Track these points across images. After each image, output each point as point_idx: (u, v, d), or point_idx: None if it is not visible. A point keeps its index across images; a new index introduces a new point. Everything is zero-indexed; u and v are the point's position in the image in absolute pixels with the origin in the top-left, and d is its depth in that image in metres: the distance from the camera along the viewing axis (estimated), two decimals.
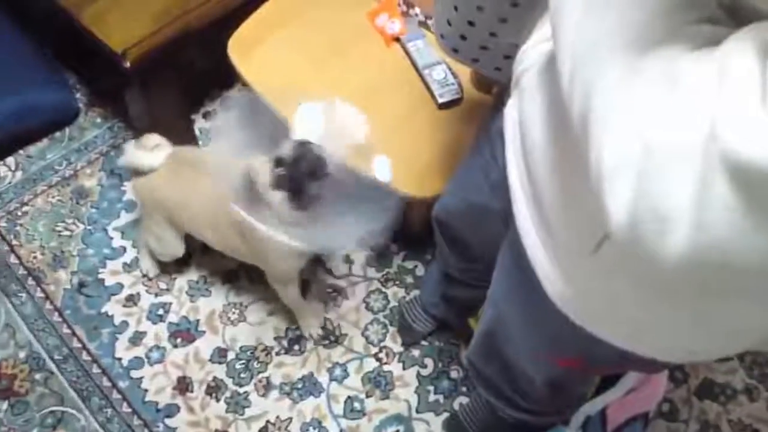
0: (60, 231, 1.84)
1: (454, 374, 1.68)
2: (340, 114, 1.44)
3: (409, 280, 1.80)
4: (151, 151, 1.57)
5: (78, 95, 2.08)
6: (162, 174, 1.55)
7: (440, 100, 1.60)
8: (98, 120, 2.04)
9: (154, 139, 1.59)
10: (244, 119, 1.67)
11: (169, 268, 1.78)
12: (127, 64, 1.60)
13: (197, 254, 1.80)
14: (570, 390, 1.13)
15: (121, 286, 1.76)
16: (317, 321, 1.73)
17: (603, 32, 0.51)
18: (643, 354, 0.72)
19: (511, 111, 0.83)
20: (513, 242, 0.85)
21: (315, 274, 1.79)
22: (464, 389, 1.66)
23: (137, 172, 1.58)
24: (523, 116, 0.79)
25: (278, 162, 1.26)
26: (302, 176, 1.25)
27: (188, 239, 1.66)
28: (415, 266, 1.82)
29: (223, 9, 1.69)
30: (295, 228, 1.30)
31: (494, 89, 1.62)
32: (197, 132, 1.98)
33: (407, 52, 1.67)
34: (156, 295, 1.75)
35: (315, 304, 1.76)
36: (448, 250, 1.37)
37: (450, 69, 1.64)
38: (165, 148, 1.57)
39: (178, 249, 1.65)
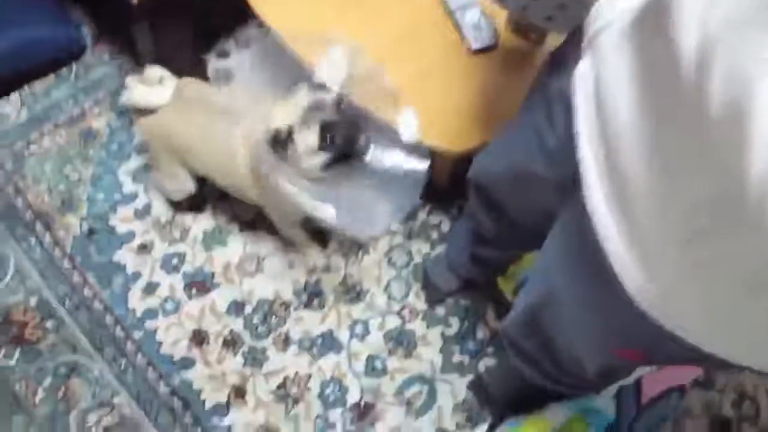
0: (68, 174, 1.75)
1: (480, 334, 1.62)
2: (364, 61, 1.37)
3: (434, 235, 1.72)
4: (154, 86, 1.46)
5: (84, 30, 1.96)
6: (168, 111, 1.45)
7: (474, 46, 1.49)
8: (106, 57, 1.93)
9: (156, 71, 1.47)
10: (260, 60, 1.57)
11: (184, 215, 1.71)
12: (135, 0, 1.48)
13: (213, 201, 1.72)
14: (620, 375, 1.07)
15: (133, 233, 1.69)
16: (319, 252, 1.67)
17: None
18: (726, 357, 0.65)
19: (583, 74, 0.73)
20: (577, 220, 0.76)
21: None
22: (490, 350, 1.60)
23: (141, 110, 1.48)
24: (600, 82, 0.69)
25: (326, 126, 1.24)
26: (351, 138, 1.26)
27: (200, 185, 1.58)
28: (441, 221, 1.74)
29: None
30: (319, 185, 1.28)
31: (533, 35, 1.51)
32: (211, 72, 1.87)
33: None
34: (170, 243, 1.68)
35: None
36: (484, 214, 1.29)
37: (484, 12, 1.52)
38: (170, 82, 1.47)
39: (189, 186, 1.57)
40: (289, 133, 1.24)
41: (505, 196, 1.18)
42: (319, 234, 1.68)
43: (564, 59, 0.90)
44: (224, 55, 1.95)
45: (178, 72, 1.65)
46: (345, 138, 1.25)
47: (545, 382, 1.17)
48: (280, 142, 1.25)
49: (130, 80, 1.51)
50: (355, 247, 1.69)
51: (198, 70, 1.84)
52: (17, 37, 1.79)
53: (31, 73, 1.88)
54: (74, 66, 1.91)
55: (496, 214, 1.26)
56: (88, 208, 1.71)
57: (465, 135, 1.44)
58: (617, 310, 0.71)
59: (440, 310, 1.64)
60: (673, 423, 1.49)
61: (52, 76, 1.89)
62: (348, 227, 1.38)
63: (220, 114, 1.41)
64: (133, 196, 1.73)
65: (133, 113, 1.53)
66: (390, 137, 1.35)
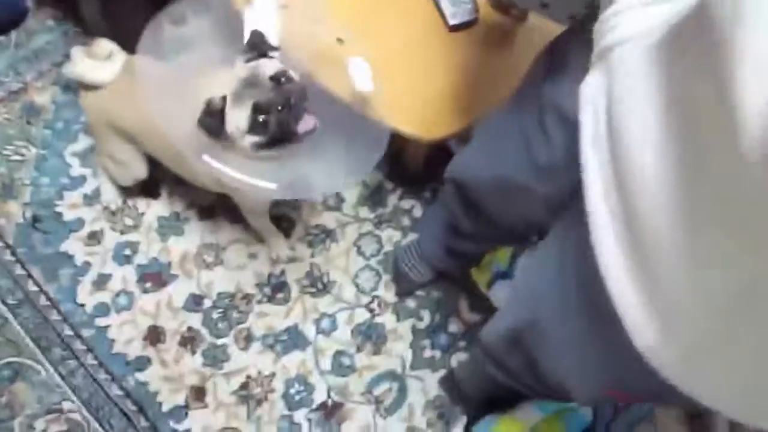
0: (9, 155, 1.61)
1: (452, 328, 1.54)
2: (302, 9, 1.22)
3: (406, 221, 1.63)
4: (103, 61, 1.33)
5: None
6: (116, 88, 1.33)
7: (451, 22, 1.37)
8: (50, 23, 1.76)
9: (105, 45, 1.34)
10: (220, 27, 1.42)
11: (137, 201, 1.58)
12: None
13: (168, 185, 1.60)
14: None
15: (81, 221, 1.56)
16: (285, 242, 1.57)
17: None
18: (742, 420, 0.57)
19: (593, 91, 0.62)
20: (574, 246, 0.67)
21: (299, 212, 1.60)
22: (462, 344, 1.53)
23: (87, 86, 1.35)
24: (614, 104, 0.58)
25: (259, 108, 1.07)
26: (287, 122, 1.07)
27: (155, 167, 1.46)
28: (413, 207, 1.65)
29: None
30: (268, 164, 1.12)
31: (515, 11, 1.39)
32: (166, 41, 1.72)
33: None
34: (122, 232, 1.56)
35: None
36: (462, 212, 1.20)
37: None
38: (119, 57, 1.34)
39: (140, 170, 1.46)
40: (222, 107, 1.08)
41: (486, 199, 1.09)
42: (283, 221, 1.58)
43: (562, 62, 0.80)
44: (180, 21, 1.79)
45: (129, 42, 1.51)
46: (280, 123, 1.07)
47: (524, 390, 1.10)
48: (213, 115, 1.08)
49: (76, 51, 1.37)
50: (322, 235, 1.59)
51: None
52: None
53: None
54: (14, 33, 1.74)
55: (474, 212, 1.18)
56: (31, 193, 1.57)
57: (442, 121, 1.33)
58: (618, 358, 0.62)
59: (411, 303, 1.56)
60: (648, 422, 1.44)
61: None
62: (297, 191, 1.24)
63: (171, 91, 1.28)
64: (82, 180, 1.59)
65: (79, 88, 1.40)
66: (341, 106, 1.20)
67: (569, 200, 0.68)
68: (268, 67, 1.12)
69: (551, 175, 0.85)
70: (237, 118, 1.08)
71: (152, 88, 1.28)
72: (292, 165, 1.17)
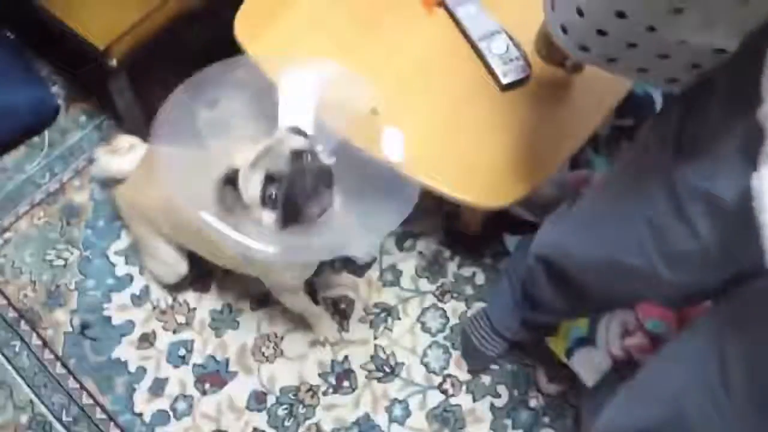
0: (52, 260, 1.55)
1: (533, 402, 1.43)
2: (338, 80, 1.16)
3: (469, 290, 1.53)
4: (126, 155, 1.32)
5: (55, 88, 1.76)
6: (139, 178, 1.29)
7: (504, 81, 1.29)
8: (82, 118, 1.72)
9: (126, 140, 1.34)
10: (255, 106, 1.35)
11: (187, 297, 1.51)
12: (114, 62, 1.28)
13: (217, 277, 1.53)
14: None
15: (132, 323, 1.49)
16: (332, 322, 1.48)
17: None
18: None
19: None
20: (743, 341, 0.60)
21: (357, 292, 1.52)
22: (546, 420, 1.41)
23: (117, 181, 1.34)
24: None
25: (270, 178, 0.99)
26: (300, 197, 0.99)
27: (201, 260, 1.39)
28: (474, 274, 1.55)
29: None
30: (288, 237, 1.03)
31: (569, 62, 1.31)
32: (201, 125, 1.66)
33: (456, 21, 1.35)
34: (174, 331, 1.49)
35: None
36: (550, 290, 1.10)
37: (512, 39, 1.32)
38: (140, 148, 1.32)
39: (180, 265, 1.40)
40: (235, 176, 1.01)
41: (590, 280, 1.00)
42: (340, 302, 1.50)
43: (698, 143, 0.70)
44: (213, 104, 1.74)
45: None
46: (288, 198, 0.99)
47: None
48: (230, 184, 1.02)
49: (99, 151, 1.38)
50: (383, 313, 1.50)
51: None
52: None
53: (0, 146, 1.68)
54: (47, 132, 1.71)
55: (569, 291, 1.08)
56: (78, 298, 1.51)
57: (501, 187, 1.24)
58: None
59: (486, 379, 1.45)
60: None
61: (22, 148, 1.68)
62: (320, 254, 1.19)
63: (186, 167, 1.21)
64: (128, 280, 1.53)
65: (111, 185, 1.37)
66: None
67: (723, 289, 0.60)
68: (294, 140, 1.05)
69: (690, 265, 0.77)
70: (250, 187, 1.01)
71: (173, 174, 1.21)
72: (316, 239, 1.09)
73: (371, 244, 1.42)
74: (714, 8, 0.62)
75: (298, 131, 1.09)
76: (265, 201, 1.00)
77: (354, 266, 1.55)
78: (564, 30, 0.76)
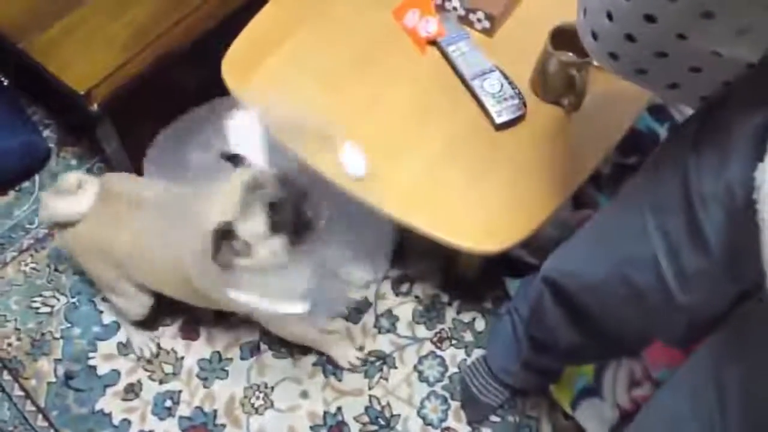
0: (38, 308, 1.51)
1: None
2: (282, 111, 1.14)
3: (469, 337, 1.47)
4: (75, 194, 1.24)
5: (47, 132, 1.74)
6: (95, 217, 1.22)
7: (498, 120, 1.24)
8: (73, 161, 1.70)
9: (72, 177, 1.26)
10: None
11: (175, 343, 1.46)
12: (95, 107, 1.25)
13: (206, 324, 1.48)
14: None
15: (117, 373, 1.44)
16: (351, 345, 1.44)
17: None
18: None
19: None
20: (742, 366, 0.61)
21: (351, 337, 1.46)
22: None
23: (62, 224, 1.26)
24: None
25: (273, 207, 1.02)
26: (303, 212, 1.04)
27: (189, 306, 1.34)
28: (474, 319, 1.49)
29: (209, 24, 1.33)
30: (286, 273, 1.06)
31: (566, 100, 1.26)
32: (194, 167, 1.63)
33: (448, 59, 1.31)
34: (161, 382, 1.43)
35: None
36: (561, 319, 1.05)
37: (506, 77, 1.28)
38: (91, 185, 1.24)
39: (144, 298, 1.34)
40: (229, 230, 1.00)
41: (600, 307, 0.97)
42: None
43: (711, 144, 0.70)
44: (206, 147, 1.71)
45: None
46: (297, 214, 1.03)
47: None
48: (223, 239, 1.00)
49: (44, 196, 1.31)
50: (378, 362, 1.44)
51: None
52: None
53: None
54: (37, 176, 1.68)
55: (572, 316, 1.04)
56: (63, 347, 1.46)
57: (499, 230, 1.18)
58: None
59: (486, 431, 1.38)
60: None
61: (12, 192, 1.66)
62: (322, 308, 1.15)
63: (159, 211, 1.16)
64: (115, 328, 1.48)
65: (56, 228, 1.31)
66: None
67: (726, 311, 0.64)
68: (268, 171, 1.06)
69: (701, 283, 0.75)
70: (253, 227, 1.01)
71: (155, 211, 1.18)
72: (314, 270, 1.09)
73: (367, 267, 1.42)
74: (745, 14, 0.59)
75: (235, 161, 1.08)
76: (274, 227, 1.01)
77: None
78: (594, 36, 0.72)
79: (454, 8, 1.34)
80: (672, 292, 0.78)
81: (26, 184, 1.67)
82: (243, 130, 1.08)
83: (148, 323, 1.44)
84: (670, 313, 0.81)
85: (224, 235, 1.00)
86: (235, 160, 1.07)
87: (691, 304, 0.78)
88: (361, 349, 1.44)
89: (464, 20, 1.35)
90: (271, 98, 1.19)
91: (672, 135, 0.84)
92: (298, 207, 1.03)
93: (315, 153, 1.15)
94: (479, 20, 1.33)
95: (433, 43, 1.33)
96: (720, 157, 0.67)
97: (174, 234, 1.11)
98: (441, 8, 1.35)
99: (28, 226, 1.61)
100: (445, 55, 1.32)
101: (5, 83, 1.72)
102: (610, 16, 0.67)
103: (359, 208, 1.12)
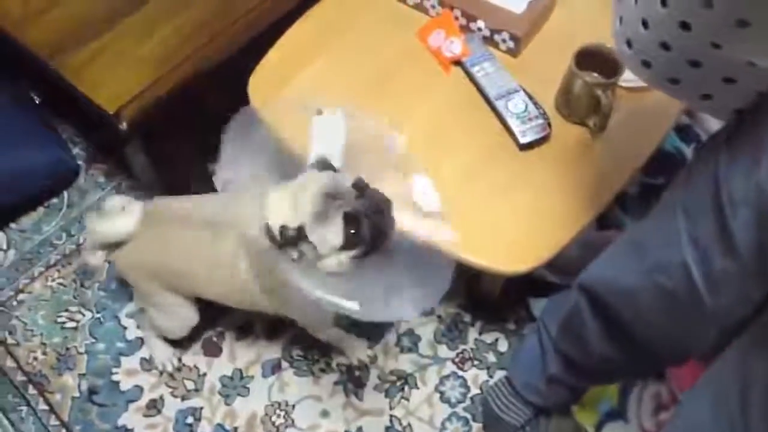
0: (63, 322, 1.53)
1: None
2: (364, 124, 1.16)
3: (491, 358, 1.45)
4: (119, 216, 1.28)
5: (76, 150, 1.77)
6: (142, 238, 1.26)
7: (522, 140, 1.24)
8: (101, 179, 1.72)
9: (116, 201, 1.32)
10: (274, 161, 1.32)
11: (197, 360, 1.46)
12: (124, 125, 1.26)
13: (228, 341, 1.48)
14: None
15: (140, 389, 1.44)
16: (363, 343, 1.45)
17: None
18: None
19: None
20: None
21: (373, 358, 1.45)
22: None
23: (113, 246, 1.29)
24: None
25: (350, 219, 0.99)
26: (381, 229, 1.02)
27: (213, 323, 1.35)
28: (496, 339, 1.47)
29: (236, 44, 1.35)
30: (341, 282, 1.04)
31: (592, 120, 1.25)
32: (219, 184, 1.65)
33: (473, 79, 1.32)
34: (183, 398, 1.43)
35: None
36: (597, 330, 1.05)
37: (531, 97, 1.28)
38: (135, 207, 1.28)
39: (191, 314, 1.36)
40: (299, 233, 0.99)
41: (633, 316, 0.97)
42: (354, 368, 1.43)
43: (742, 148, 0.71)
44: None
45: (181, 186, 1.45)
46: (374, 230, 1.01)
47: None
48: (289, 240, 0.99)
49: (89, 218, 1.37)
50: (399, 382, 1.43)
51: (207, 184, 1.64)
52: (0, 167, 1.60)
53: (19, 207, 1.68)
54: (66, 193, 1.71)
55: (612, 330, 1.03)
56: (87, 362, 1.48)
57: (522, 251, 1.18)
58: None
59: None
60: None
61: (41, 208, 1.68)
62: (375, 315, 1.14)
63: (205, 225, 1.20)
64: (139, 344, 1.49)
65: (107, 252, 1.33)
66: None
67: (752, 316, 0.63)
68: (345, 177, 1.05)
69: (729, 286, 0.76)
70: (328, 236, 1.00)
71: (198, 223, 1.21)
72: (371, 281, 1.07)
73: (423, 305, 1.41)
74: None
75: (324, 165, 1.07)
76: (349, 242, 1.00)
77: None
78: (629, 44, 0.73)
79: (479, 29, 1.35)
80: (701, 297, 0.78)
81: (55, 200, 1.70)
82: (326, 132, 1.10)
83: (179, 341, 1.45)
84: (700, 319, 0.82)
85: (288, 234, 0.98)
86: (320, 164, 1.07)
87: (720, 307, 0.78)
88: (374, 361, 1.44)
89: (489, 41, 1.35)
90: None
91: (707, 141, 0.84)
92: (375, 222, 1.01)
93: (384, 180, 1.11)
94: (504, 41, 1.33)
95: (457, 63, 1.33)
96: (752, 158, 0.67)
97: (221, 243, 1.16)
98: (466, 29, 1.36)
99: (55, 241, 1.63)
100: (470, 76, 1.32)
101: (37, 101, 1.76)
102: (645, 24, 0.68)
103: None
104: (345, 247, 1.00)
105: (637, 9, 0.68)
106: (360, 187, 1.03)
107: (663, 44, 0.68)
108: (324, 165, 1.07)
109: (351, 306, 1.00)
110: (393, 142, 1.19)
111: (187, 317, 1.36)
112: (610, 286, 1.00)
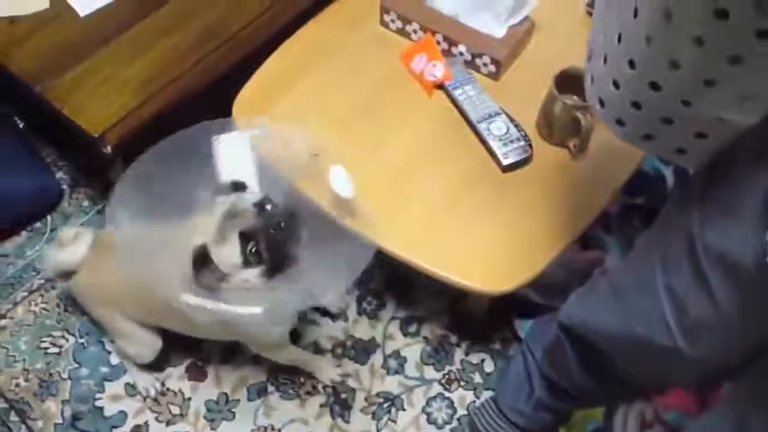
0: (47, 348, 1.51)
1: None
2: (273, 135, 1.18)
3: (477, 378, 1.46)
4: (71, 245, 1.31)
5: (60, 174, 1.77)
6: (93, 265, 1.29)
7: (504, 162, 1.26)
8: (85, 203, 1.72)
9: (69, 231, 1.34)
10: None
11: (182, 384, 1.45)
12: (108, 149, 1.27)
13: (213, 365, 1.47)
14: None
15: (124, 415, 1.43)
16: (333, 364, 1.45)
17: None
18: None
19: None
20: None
21: (358, 379, 1.45)
22: None
23: (66, 274, 1.33)
24: None
25: (246, 237, 1.00)
26: (282, 244, 1.01)
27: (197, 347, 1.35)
28: (483, 360, 1.48)
29: (220, 68, 1.36)
30: (264, 293, 1.04)
31: (572, 142, 1.28)
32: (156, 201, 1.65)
33: (455, 102, 1.34)
34: (168, 423, 1.42)
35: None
36: (577, 366, 1.06)
37: (512, 120, 1.30)
38: (86, 236, 1.31)
39: (153, 340, 1.36)
40: (200, 252, 1.00)
41: (614, 356, 0.97)
42: (340, 392, 1.43)
43: (717, 202, 0.70)
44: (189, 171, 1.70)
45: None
46: (272, 247, 1.00)
47: None
48: (197, 261, 1.00)
49: (44, 250, 1.41)
50: (386, 403, 1.42)
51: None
52: None
53: (1, 231, 1.67)
54: (50, 217, 1.70)
55: (594, 366, 1.04)
56: (71, 388, 1.46)
57: (505, 272, 1.19)
58: None
59: None
60: None
61: (24, 233, 1.67)
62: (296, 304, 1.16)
63: (140, 246, 1.16)
64: (122, 369, 1.48)
65: (62, 279, 1.37)
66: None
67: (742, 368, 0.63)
68: (249, 197, 1.05)
69: (709, 336, 0.74)
70: (227, 255, 1.00)
71: (129, 252, 1.17)
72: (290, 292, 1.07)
73: (339, 290, 1.45)
74: (747, 82, 0.60)
75: (236, 186, 1.07)
76: (248, 260, 1.00)
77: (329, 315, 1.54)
78: (601, 103, 0.74)
79: (461, 53, 1.37)
80: (680, 347, 0.78)
81: (39, 224, 1.69)
82: (232, 154, 1.09)
83: (155, 365, 1.44)
84: (680, 365, 0.81)
85: (203, 259, 1.00)
86: (234, 187, 1.07)
87: (699, 356, 0.77)
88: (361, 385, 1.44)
89: (470, 64, 1.37)
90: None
91: (680, 189, 0.84)
92: (277, 241, 1.01)
93: (304, 177, 1.14)
94: (485, 64, 1.36)
95: (440, 86, 1.35)
96: (727, 215, 0.67)
97: (159, 265, 1.12)
98: (448, 53, 1.38)
99: (38, 266, 1.62)
100: (452, 99, 1.34)
101: (20, 125, 1.76)
102: (616, 84, 0.68)
103: (340, 235, 1.09)
104: (245, 264, 1.00)
105: (607, 69, 0.69)
106: (260, 204, 1.03)
107: (634, 103, 0.68)
108: (231, 187, 1.07)
109: (253, 311, 1.01)
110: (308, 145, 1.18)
111: (149, 341, 1.36)
112: (588, 326, 1.01)
